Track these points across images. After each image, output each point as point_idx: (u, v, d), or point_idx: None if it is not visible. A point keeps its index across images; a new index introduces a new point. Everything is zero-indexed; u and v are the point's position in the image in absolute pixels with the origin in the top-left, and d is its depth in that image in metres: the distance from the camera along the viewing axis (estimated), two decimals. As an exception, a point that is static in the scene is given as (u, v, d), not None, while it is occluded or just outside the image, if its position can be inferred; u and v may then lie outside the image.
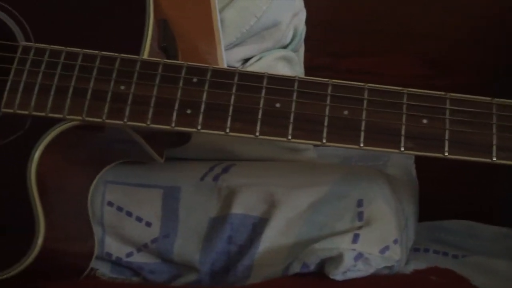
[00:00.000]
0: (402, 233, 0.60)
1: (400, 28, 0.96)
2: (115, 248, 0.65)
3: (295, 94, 0.53)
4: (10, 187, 0.56)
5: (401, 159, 0.78)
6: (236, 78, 0.55)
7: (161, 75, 0.55)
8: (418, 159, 0.80)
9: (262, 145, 0.70)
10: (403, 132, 0.51)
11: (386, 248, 0.57)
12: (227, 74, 0.55)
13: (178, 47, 0.65)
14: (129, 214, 0.65)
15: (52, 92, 0.55)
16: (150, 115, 0.54)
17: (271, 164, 0.68)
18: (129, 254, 0.65)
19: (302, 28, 0.81)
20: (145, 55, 0.57)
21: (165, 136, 0.63)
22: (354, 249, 0.56)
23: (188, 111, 0.54)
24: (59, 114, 0.55)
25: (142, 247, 0.65)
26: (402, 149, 0.51)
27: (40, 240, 0.54)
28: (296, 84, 0.54)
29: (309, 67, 0.86)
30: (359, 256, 0.55)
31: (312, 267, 0.56)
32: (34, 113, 0.55)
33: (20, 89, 0.56)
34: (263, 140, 0.53)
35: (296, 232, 0.59)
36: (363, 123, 0.52)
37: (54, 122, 0.55)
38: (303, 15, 0.81)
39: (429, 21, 0.95)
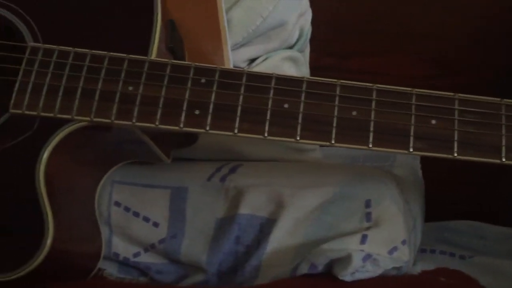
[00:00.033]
0: (410, 233, 0.60)
1: (400, 28, 0.97)
2: (122, 248, 0.65)
3: (303, 95, 0.53)
4: (18, 188, 0.56)
5: (407, 160, 0.78)
6: (244, 79, 0.55)
7: (169, 76, 0.55)
8: (423, 159, 0.80)
9: (268, 146, 0.70)
10: (412, 132, 0.51)
11: (395, 249, 0.57)
12: (235, 74, 0.55)
13: (185, 48, 0.65)
14: (136, 214, 0.65)
15: (61, 93, 0.55)
16: (158, 115, 0.54)
17: (278, 165, 0.68)
18: (136, 254, 0.65)
19: (308, 28, 0.81)
20: (153, 56, 0.57)
21: (172, 137, 0.63)
22: (362, 250, 0.56)
23: (197, 112, 0.54)
24: (67, 115, 0.55)
25: (149, 247, 0.65)
26: (411, 149, 0.51)
27: (49, 241, 0.54)
28: (304, 85, 0.54)
29: (314, 67, 0.86)
30: (368, 257, 0.55)
31: (320, 268, 0.56)
32: (43, 114, 0.55)
33: (29, 90, 0.56)
34: (271, 140, 0.53)
35: (304, 232, 0.59)
36: (372, 124, 0.52)
37: (62, 123, 0.56)
38: (309, 15, 0.81)
39: (429, 21, 0.95)
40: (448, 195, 0.90)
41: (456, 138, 0.50)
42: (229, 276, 0.62)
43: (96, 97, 0.55)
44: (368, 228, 0.57)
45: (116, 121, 0.55)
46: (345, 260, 0.55)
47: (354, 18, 0.98)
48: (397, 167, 0.75)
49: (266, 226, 0.60)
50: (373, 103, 0.52)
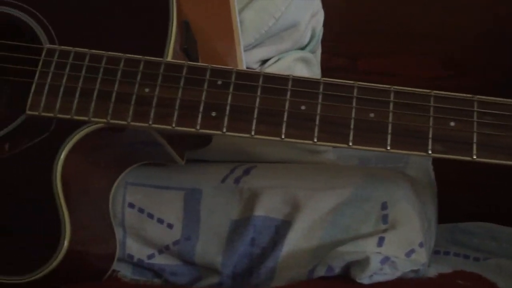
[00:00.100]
0: (426, 235, 0.60)
1: (406, 29, 0.97)
2: (136, 249, 0.65)
3: (320, 97, 0.53)
4: (35, 189, 0.56)
5: (420, 161, 0.78)
6: (261, 81, 0.54)
7: (185, 78, 0.55)
8: (434, 160, 0.80)
9: (281, 147, 0.70)
10: (430, 135, 0.51)
11: (412, 251, 0.56)
12: (252, 76, 0.55)
13: (198, 49, 0.65)
14: (150, 216, 0.65)
15: (77, 95, 0.55)
16: (175, 117, 0.54)
17: (292, 166, 0.68)
18: (150, 256, 0.65)
19: (320, 29, 0.81)
20: (169, 58, 0.57)
21: (187, 138, 0.62)
22: (379, 253, 0.55)
23: (213, 114, 0.54)
24: (84, 117, 0.55)
25: (163, 249, 0.65)
26: (430, 152, 0.51)
27: (66, 242, 0.54)
28: (321, 87, 0.54)
29: (324, 68, 0.86)
30: (386, 260, 0.55)
31: (337, 270, 0.56)
32: (59, 115, 0.55)
33: (45, 91, 0.56)
34: (288, 142, 0.53)
35: (319, 234, 0.59)
36: (390, 126, 0.51)
37: (79, 124, 0.56)
38: (321, 15, 0.81)
39: (435, 22, 0.95)
40: (458, 196, 0.90)
41: (475, 140, 0.50)
42: (244, 278, 0.62)
43: (113, 99, 0.55)
44: (384, 231, 0.57)
45: (132, 123, 0.55)
46: (363, 262, 0.55)
47: (359, 19, 0.98)
48: (410, 168, 0.75)
49: (281, 228, 0.60)
50: (391, 105, 0.52)
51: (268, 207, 0.61)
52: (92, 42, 0.58)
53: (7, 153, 0.57)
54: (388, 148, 0.51)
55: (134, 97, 0.55)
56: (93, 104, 0.55)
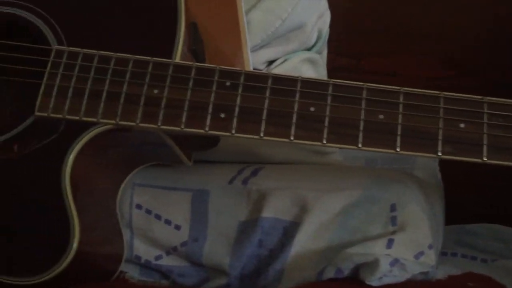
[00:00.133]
0: (435, 238, 0.59)
1: (406, 28, 0.96)
2: (143, 251, 0.65)
3: (329, 98, 0.53)
4: (44, 191, 0.56)
5: (426, 162, 0.78)
6: (269, 82, 0.54)
7: (194, 79, 0.55)
8: (441, 161, 0.79)
9: (288, 148, 0.70)
10: (440, 136, 0.51)
11: (421, 253, 0.56)
12: (261, 77, 0.55)
13: (205, 50, 0.65)
14: (157, 217, 0.65)
15: (86, 96, 0.55)
16: (184, 119, 0.54)
17: (300, 167, 0.68)
18: (158, 257, 0.65)
19: (326, 30, 0.81)
20: (177, 59, 0.57)
21: (194, 139, 0.62)
22: (388, 255, 0.55)
23: (222, 115, 0.54)
24: (93, 118, 0.55)
25: (171, 250, 0.65)
26: (439, 153, 0.51)
27: (75, 244, 0.54)
28: (330, 88, 0.53)
29: (330, 68, 0.85)
30: (395, 262, 0.55)
31: (346, 272, 0.56)
32: (68, 116, 0.55)
33: (54, 93, 0.56)
34: (297, 144, 0.53)
35: (328, 236, 0.58)
36: (399, 127, 0.51)
37: (87, 125, 0.56)
38: (327, 16, 0.81)
39: (435, 22, 0.95)
40: (464, 198, 0.89)
41: (485, 142, 0.50)
42: (252, 279, 0.62)
43: (121, 100, 0.55)
44: (393, 232, 0.57)
45: (141, 124, 0.55)
46: (372, 264, 0.55)
47: (359, 19, 0.98)
48: (417, 170, 0.75)
49: (290, 230, 0.60)
50: (400, 107, 0.52)
51: (276, 209, 0.61)
52: (100, 43, 0.58)
53: (16, 154, 0.57)
54: (398, 149, 0.51)
55: (143, 98, 0.55)
56: (102, 105, 0.55)
